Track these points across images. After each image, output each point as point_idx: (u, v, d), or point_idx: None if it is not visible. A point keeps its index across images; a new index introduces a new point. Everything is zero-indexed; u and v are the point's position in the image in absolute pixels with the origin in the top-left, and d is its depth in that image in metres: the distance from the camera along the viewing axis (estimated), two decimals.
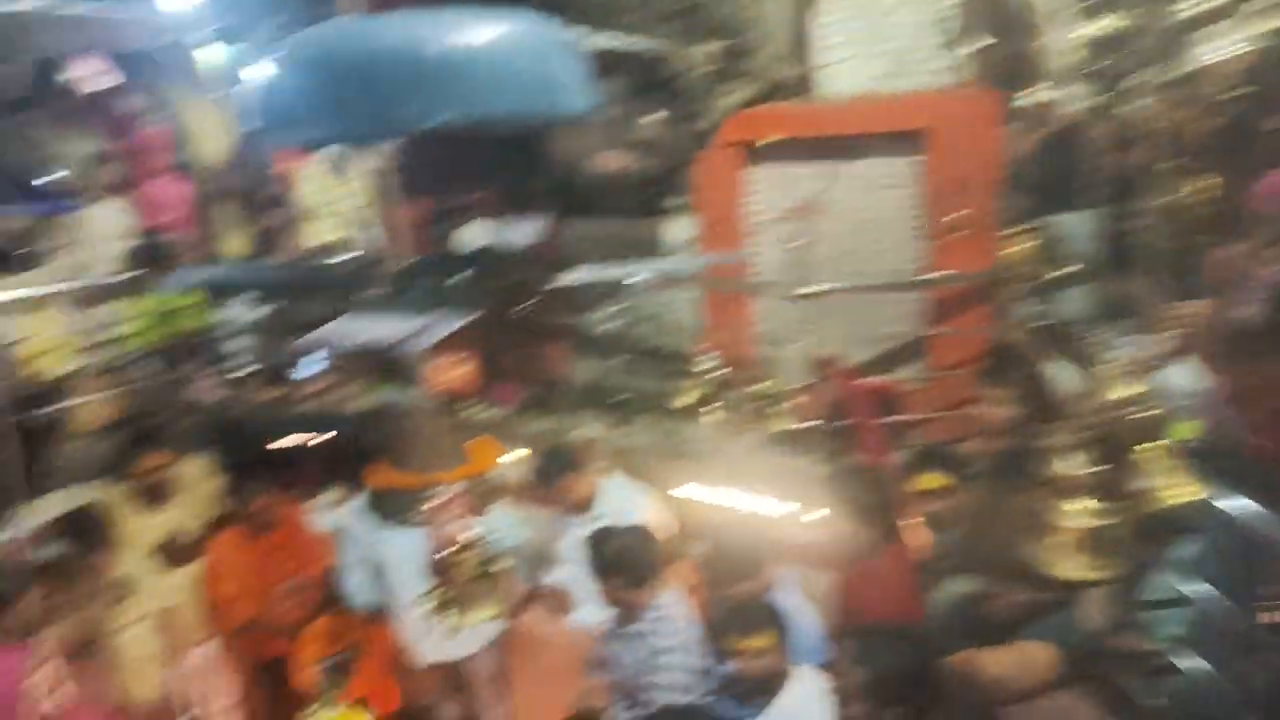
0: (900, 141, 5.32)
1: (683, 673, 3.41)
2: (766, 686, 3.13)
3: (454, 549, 2.94)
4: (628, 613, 3.59)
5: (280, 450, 5.50)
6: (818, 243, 5.26)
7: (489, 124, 2.87)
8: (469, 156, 2.97)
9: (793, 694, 3.12)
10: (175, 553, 4.46)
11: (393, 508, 4.22)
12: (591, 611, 3.88)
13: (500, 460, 4.60)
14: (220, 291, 5.46)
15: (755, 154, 5.66)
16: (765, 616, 3.23)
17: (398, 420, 4.36)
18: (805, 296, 4.95)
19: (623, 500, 4.28)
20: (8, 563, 4.14)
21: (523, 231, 2.72)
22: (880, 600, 3.51)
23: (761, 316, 5.72)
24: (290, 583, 4.57)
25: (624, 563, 3.54)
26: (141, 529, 4.43)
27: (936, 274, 5.21)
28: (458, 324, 2.40)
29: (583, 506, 4.25)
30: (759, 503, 4.45)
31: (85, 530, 4.13)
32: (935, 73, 5.23)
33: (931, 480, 3.56)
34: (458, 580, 2.99)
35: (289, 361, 5.92)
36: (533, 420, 5.55)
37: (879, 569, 3.58)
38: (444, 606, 2.99)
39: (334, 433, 5.49)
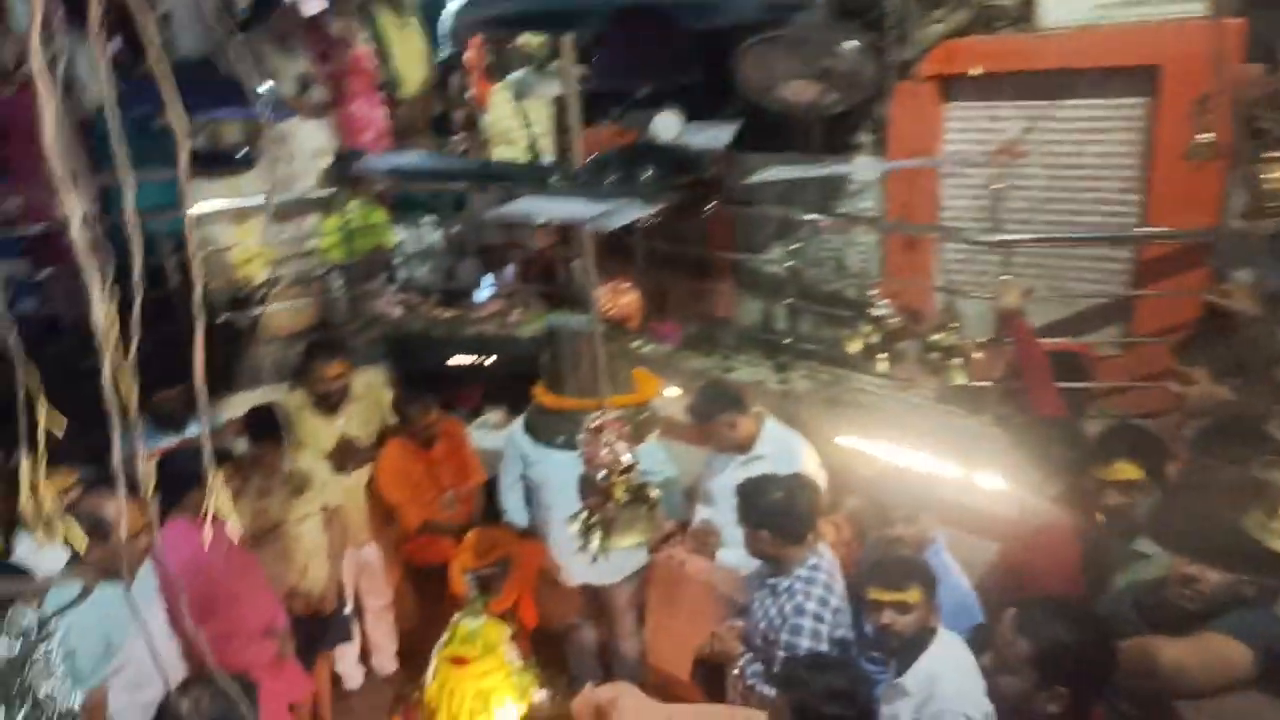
0: (1126, 79, 4.77)
1: (818, 639, 3.27)
2: (910, 645, 2.95)
3: (607, 472, 2.90)
4: (775, 566, 3.47)
5: (450, 368, 5.68)
6: (1018, 188, 4.84)
7: (684, 6, 2.73)
8: (657, 57, 2.82)
9: (937, 656, 2.93)
10: (346, 457, 4.67)
11: (551, 430, 4.26)
12: (737, 554, 3.77)
13: (658, 394, 4.55)
14: (411, 179, 5.59)
15: (956, 89, 5.25)
16: (915, 571, 3.03)
17: (562, 345, 4.38)
18: (997, 245, 4.57)
19: (782, 446, 4.14)
20: (201, 449, 4.44)
21: (711, 135, 2.57)
22: (1048, 571, 3.21)
23: (946, 265, 5.36)
24: (449, 494, 4.72)
25: (777, 517, 3.41)
26: (317, 432, 4.66)
27: (1154, 229, 4.67)
28: (645, 212, 2.29)
29: (743, 446, 4.13)
30: (920, 459, 4.20)
31: (270, 427, 4.36)
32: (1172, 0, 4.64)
33: (1124, 470, 3.14)
34: (608, 503, 2.95)
35: (466, 284, 6.08)
36: (694, 358, 5.47)
37: (1050, 536, 3.27)
38: (592, 528, 2.96)
39: (500, 355, 5.62)
